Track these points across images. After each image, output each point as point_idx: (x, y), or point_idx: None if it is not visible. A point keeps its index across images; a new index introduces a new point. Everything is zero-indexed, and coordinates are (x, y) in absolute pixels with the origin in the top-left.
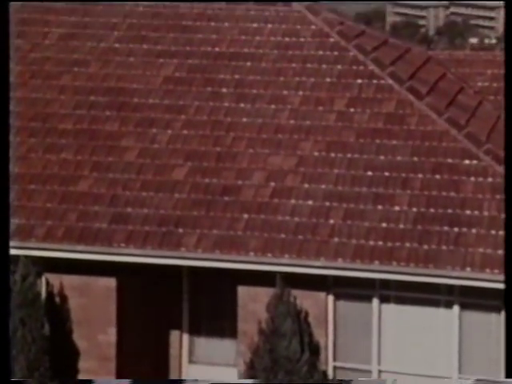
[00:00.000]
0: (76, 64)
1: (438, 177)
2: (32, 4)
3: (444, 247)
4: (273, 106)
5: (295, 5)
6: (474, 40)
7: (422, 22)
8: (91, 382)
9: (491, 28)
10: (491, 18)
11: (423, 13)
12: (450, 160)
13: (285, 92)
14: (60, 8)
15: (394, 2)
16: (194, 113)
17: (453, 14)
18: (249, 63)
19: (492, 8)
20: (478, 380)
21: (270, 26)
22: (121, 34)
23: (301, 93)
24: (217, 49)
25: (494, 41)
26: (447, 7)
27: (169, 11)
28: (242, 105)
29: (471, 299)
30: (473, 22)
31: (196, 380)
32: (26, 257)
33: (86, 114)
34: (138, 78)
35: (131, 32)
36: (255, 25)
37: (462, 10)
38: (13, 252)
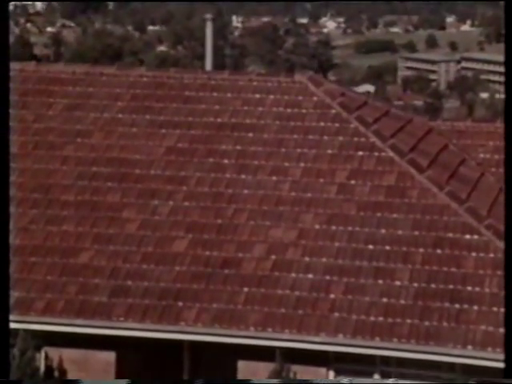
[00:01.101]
0: (79, 135)
1: (439, 251)
2: (36, 75)
3: (445, 324)
4: (274, 178)
5: (297, 76)
6: (484, 95)
7: (433, 77)
8: (78, 381)
9: (502, 83)
10: (502, 73)
11: (434, 67)
12: (450, 234)
13: (286, 164)
14: (65, 78)
15: (406, 56)
16: (195, 184)
17: (464, 68)
18: (251, 134)
19: (503, 63)
20: (477, 380)
21: (272, 96)
22: (124, 104)
23: (302, 164)
24: (219, 119)
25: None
26: (458, 62)
27: (172, 81)
28: (243, 176)
29: (473, 377)
30: (484, 76)
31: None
32: (25, 331)
33: (88, 185)
34: (140, 149)
35: (134, 102)
36: (258, 95)
37: (473, 65)
38: (12, 326)
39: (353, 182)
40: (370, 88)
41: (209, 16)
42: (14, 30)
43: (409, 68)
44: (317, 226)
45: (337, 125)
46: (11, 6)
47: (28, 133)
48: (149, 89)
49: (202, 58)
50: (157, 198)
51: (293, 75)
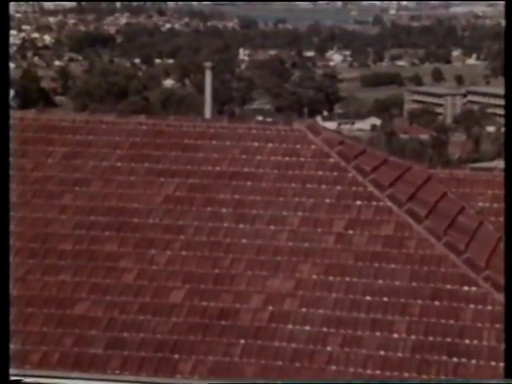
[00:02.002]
0: (78, 183)
1: (436, 303)
2: (36, 124)
3: (443, 377)
4: (272, 227)
5: (296, 124)
6: (491, 129)
7: (439, 110)
8: None
9: None
10: None
11: (441, 101)
12: (448, 286)
13: (284, 213)
14: (65, 126)
15: (412, 89)
16: (193, 233)
17: (470, 102)
18: (249, 183)
19: None
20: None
21: (270, 145)
22: (123, 152)
23: (300, 214)
24: (218, 168)
25: None
26: (464, 95)
27: (171, 129)
28: (241, 225)
29: None
30: (490, 110)
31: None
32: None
33: (86, 234)
34: (138, 198)
35: (133, 150)
36: (256, 144)
37: (479, 99)
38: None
39: (350, 231)
40: (377, 121)
41: (208, 64)
42: (22, 64)
43: (415, 101)
44: (314, 277)
45: (335, 174)
46: (19, 40)
47: (27, 181)
48: (148, 137)
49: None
50: (154, 247)
51: (291, 123)
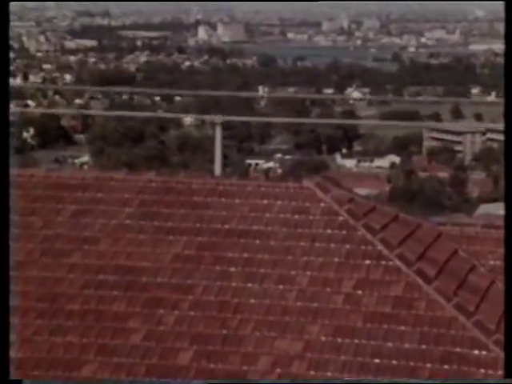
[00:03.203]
0: (87, 241)
1: (446, 367)
2: (46, 181)
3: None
4: (281, 287)
5: (305, 182)
6: None
7: (458, 148)
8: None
9: None
10: None
11: (460, 138)
12: (458, 349)
13: (293, 272)
14: (75, 184)
15: (431, 127)
16: (201, 293)
17: (489, 140)
18: (258, 241)
19: None
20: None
21: (279, 202)
22: (132, 210)
23: (309, 273)
24: (226, 226)
25: None
26: (484, 133)
27: (181, 187)
28: (249, 285)
29: None
30: None
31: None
32: None
33: (94, 293)
34: (147, 256)
35: (143, 208)
36: (265, 201)
37: (499, 137)
38: None
39: (359, 292)
40: (396, 159)
41: (218, 120)
42: (43, 103)
43: (434, 139)
44: (323, 338)
45: (344, 232)
46: (39, 78)
47: (36, 240)
48: (157, 194)
49: (228, 128)
50: (162, 307)
51: (301, 181)
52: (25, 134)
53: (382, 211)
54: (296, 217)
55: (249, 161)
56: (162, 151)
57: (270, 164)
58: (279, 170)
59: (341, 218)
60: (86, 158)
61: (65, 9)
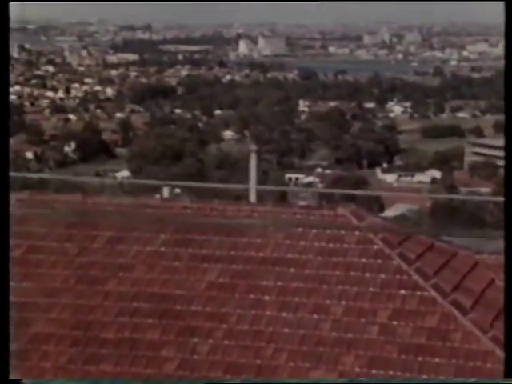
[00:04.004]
0: (121, 268)
1: None
2: (83, 208)
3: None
4: (315, 316)
5: (340, 209)
6: None
7: (500, 163)
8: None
9: None
10: None
11: (502, 153)
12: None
13: (327, 301)
14: (110, 210)
15: (473, 141)
16: (235, 321)
17: None
18: (292, 269)
19: None
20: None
21: (314, 230)
22: (167, 237)
23: (344, 302)
24: (261, 254)
25: None
26: None
27: (216, 213)
28: (283, 314)
29: None
30: None
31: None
32: None
33: (128, 321)
34: (181, 284)
35: (178, 235)
36: (300, 229)
37: None
38: None
39: (394, 322)
40: (437, 174)
41: (253, 148)
42: (84, 117)
43: (476, 154)
44: (357, 369)
45: (379, 261)
46: (81, 93)
47: (71, 267)
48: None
49: (268, 142)
50: (196, 335)
51: (336, 208)
52: (66, 149)
53: (418, 239)
54: (331, 245)
55: (289, 175)
56: (201, 169)
57: (310, 178)
58: (319, 185)
59: (376, 247)
60: (126, 173)
61: (107, 23)
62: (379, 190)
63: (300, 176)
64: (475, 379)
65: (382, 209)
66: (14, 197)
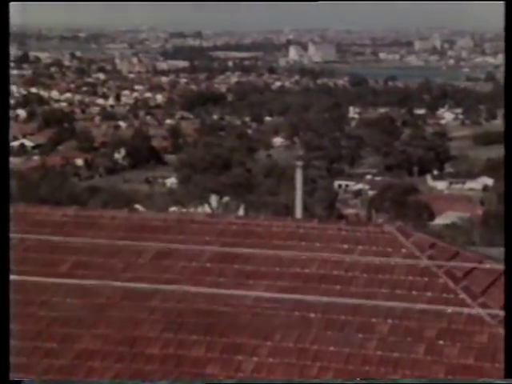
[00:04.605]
0: (167, 284)
1: None
2: (128, 223)
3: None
4: (360, 335)
5: (386, 226)
6: None
7: None
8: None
9: None
10: None
11: None
12: None
13: (373, 319)
14: (156, 226)
15: None
16: (280, 339)
17: None
18: (338, 286)
19: None
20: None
21: (360, 247)
22: (213, 253)
23: (390, 321)
24: (306, 270)
25: None
26: None
27: (261, 230)
28: (329, 332)
29: None
30: None
31: None
32: None
33: (174, 337)
34: (227, 300)
35: (223, 250)
36: (346, 246)
37: None
38: None
39: (442, 342)
40: (489, 181)
41: (299, 163)
42: (134, 123)
43: None
44: None
45: (425, 279)
46: (131, 99)
47: (117, 282)
48: (238, 237)
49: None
50: (241, 353)
51: (382, 225)
52: (116, 155)
53: (465, 257)
54: (377, 262)
55: (338, 182)
56: (249, 178)
57: (360, 186)
58: (370, 192)
59: (422, 265)
60: (175, 179)
61: (158, 31)
62: (430, 197)
63: (350, 183)
64: (475, 379)
65: (432, 217)
66: (59, 212)
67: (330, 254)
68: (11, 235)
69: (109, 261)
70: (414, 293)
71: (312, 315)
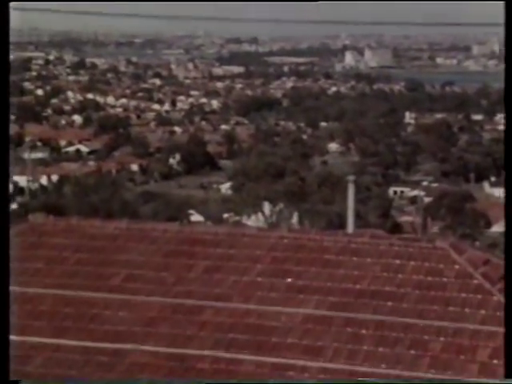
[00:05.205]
0: (218, 298)
1: None
2: (180, 236)
3: None
4: (412, 352)
5: (439, 242)
6: None
7: None
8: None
9: None
10: None
11: None
12: None
13: (425, 337)
14: (207, 239)
15: None
16: (331, 356)
17: None
18: (390, 303)
19: None
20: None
21: (412, 263)
22: (264, 267)
23: (442, 339)
24: (358, 286)
25: None
26: None
27: (312, 244)
28: (380, 349)
29: None
30: None
31: None
32: None
33: (224, 353)
34: (278, 315)
35: (274, 265)
36: (398, 261)
37: None
38: None
39: (495, 361)
40: None
41: (351, 178)
42: (189, 129)
43: None
44: None
45: (479, 297)
46: (187, 105)
47: (168, 296)
48: (289, 251)
49: (373, 155)
50: (291, 370)
51: (434, 241)
52: (171, 161)
53: None
54: (429, 279)
55: (394, 188)
56: (303, 187)
57: (415, 192)
58: (426, 199)
59: (475, 282)
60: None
61: (213, 36)
62: (487, 204)
63: (405, 189)
64: (475, 379)
65: (488, 224)
66: (112, 225)
67: (381, 270)
68: (64, 249)
69: (160, 274)
70: (467, 310)
71: (363, 331)
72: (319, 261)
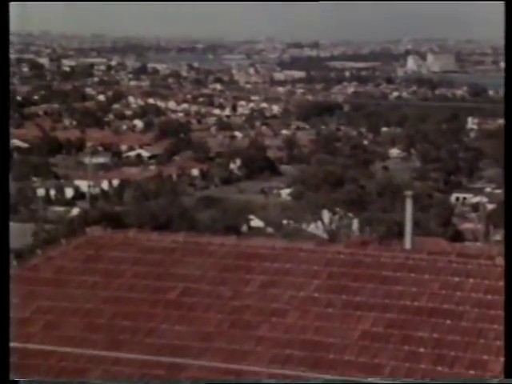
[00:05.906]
0: (274, 314)
1: None
2: (236, 250)
3: None
4: (472, 372)
5: (498, 259)
6: None
7: None
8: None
9: None
10: None
11: None
12: None
13: (485, 357)
14: (264, 254)
15: None
16: (388, 374)
17: None
18: (449, 321)
19: None
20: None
21: (471, 280)
22: (320, 282)
23: (502, 359)
24: (416, 303)
25: None
26: None
27: (369, 260)
28: (439, 368)
29: None
30: None
31: None
32: None
33: (281, 369)
34: (335, 332)
35: (331, 281)
36: (457, 279)
37: None
38: None
39: None
40: None
41: (409, 193)
42: (250, 134)
43: None
44: None
45: None
46: (248, 110)
47: (225, 311)
48: (345, 267)
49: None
50: None
51: (494, 258)
52: (231, 166)
53: None
54: (489, 297)
55: (456, 195)
56: (362, 196)
57: (478, 198)
58: (488, 206)
59: None
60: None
61: (275, 41)
62: None
63: (467, 195)
64: (475, 379)
65: None
66: (169, 238)
67: (439, 287)
68: (122, 262)
69: (216, 288)
70: None
71: (421, 350)
72: (376, 277)
